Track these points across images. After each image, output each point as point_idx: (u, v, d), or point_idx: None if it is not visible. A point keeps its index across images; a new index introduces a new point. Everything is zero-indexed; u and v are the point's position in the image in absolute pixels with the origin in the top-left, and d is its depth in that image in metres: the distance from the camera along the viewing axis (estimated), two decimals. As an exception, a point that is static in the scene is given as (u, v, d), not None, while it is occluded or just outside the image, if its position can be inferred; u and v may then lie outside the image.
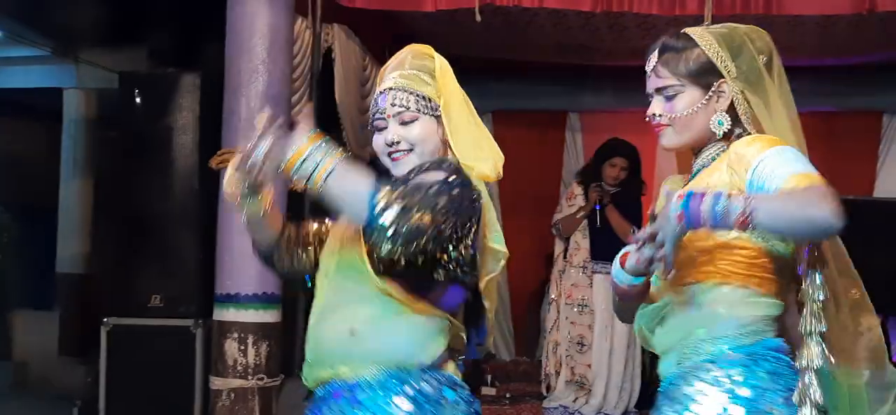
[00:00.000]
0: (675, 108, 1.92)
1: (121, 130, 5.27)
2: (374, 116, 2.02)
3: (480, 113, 7.18)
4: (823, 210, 1.61)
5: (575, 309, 5.58)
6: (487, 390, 6.25)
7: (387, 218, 1.71)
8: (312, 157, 1.75)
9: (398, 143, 1.98)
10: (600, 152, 5.85)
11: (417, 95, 1.98)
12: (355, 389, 1.91)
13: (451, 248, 1.83)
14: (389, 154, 2.00)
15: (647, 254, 1.77)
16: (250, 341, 4.42)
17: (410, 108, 1.97)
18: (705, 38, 1.92)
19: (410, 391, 1.89)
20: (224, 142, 4.50)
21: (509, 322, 7.56)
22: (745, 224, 1.67)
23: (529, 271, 7.26)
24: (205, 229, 4.77)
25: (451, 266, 1.86)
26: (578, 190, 5.71)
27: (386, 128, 2.00)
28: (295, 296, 4.66)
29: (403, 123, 1.98)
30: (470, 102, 2.07)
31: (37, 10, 7.58)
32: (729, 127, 1.92)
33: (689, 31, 1.96)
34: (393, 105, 1.98)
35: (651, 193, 6.35)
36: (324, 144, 1.75)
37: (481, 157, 2.01)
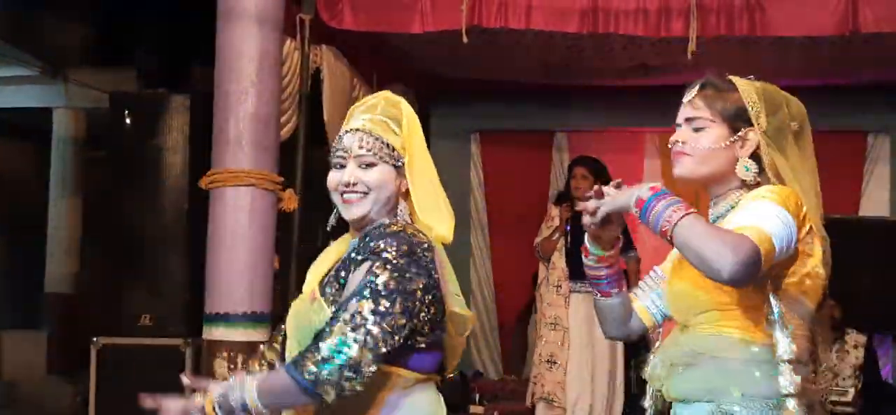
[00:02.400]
0: (700, 140, 1.96)
1: (110, 150, 5.27)
2: (335, 151, 2.00)
3: (467, 132, 7.22)
4: (723, 258, 1.69)
5: (548, 327, 5.59)
6: (475, 409, 6.24)
7: (328, 389, 1.78)
8: (233, 393, 1.85)
9: (355, 184, 1.94)
10: (567, 171, 5.91)
11: (382, 142, 1.96)
12: None
13: (419, 318, 1.88)
14: (342, 194, 1.97)
15: (590, 205, 1.90)
16: (240, 359, 4.40)
17: (374, 152, 1.95)
18: (746, 88, 1.98)
19: None
20: (214, 162, 4.51)
21: (497, 341, 7.56)
22: (664, 233, 1.76)
23: (516, 291, 7.27)
24: (194, 249, 4.77)
25: (426, 331, 1.90)
26: (555, 211, 5.74)
27: (345, 167, 1.97)
28: (284, 314, 4.65)
29: (363, 166, 1.96)
30: (430, 160, 2.05)
31: (27, 30, 7.58)
32: (754, 175, 1.95)
33: (734, 78, 2.01)
34: (358, 147, 1.96)
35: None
36: (235, 384, 1.86)
37: (439, 218, 2.00)
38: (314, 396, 1.79)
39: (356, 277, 1.88)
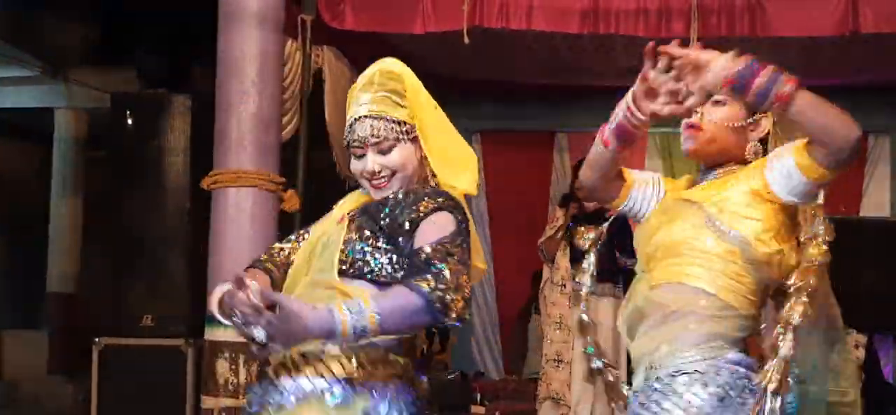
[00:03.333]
0: (713, 115, 1.96)
1: (112, 150, 5.28)
2: (350, 142, 2.04)
3: (468, 133, 7.18)
4: (850, 122, 1.74)
5: (553, 327, 5.59)
6: (477, 409, 6.24)
7: (453, 310, 1.84)
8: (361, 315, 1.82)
9: (379, 171, 2.01)
10: (571, 172, 5.90)
11: (392, 122, 2.00)
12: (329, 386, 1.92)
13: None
14: (371, 182, 2.04)
15: (670, 86, 1.83)
16: (241, 360, 4.41)
17: (388, 137, 2.00)
18: None
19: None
20: (215, 163, 4.51)
21: (498, 341, 7.56)
22: (782, 100, 1.72)
23: (517, 290, 7.27)
24: (195, 249, 4.78)
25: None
26: (559, 213, 5.74)
27: (364, 156, 2.02)
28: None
29: (382, 152, 2.01)
30: (440, 109, 2.09)
31: (28, 30, 7.58)
32: (758, 155, 1.97)
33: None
34: (372, 135, 2.00)
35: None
36: (353, 309, 1.82)
37: (459, 172, 2.05)
38: (437, 313, 1.82)
39: (424, 222, 1.93)
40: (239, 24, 4.46)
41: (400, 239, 1.94)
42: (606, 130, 2.02)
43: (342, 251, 1.94)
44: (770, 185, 1.87)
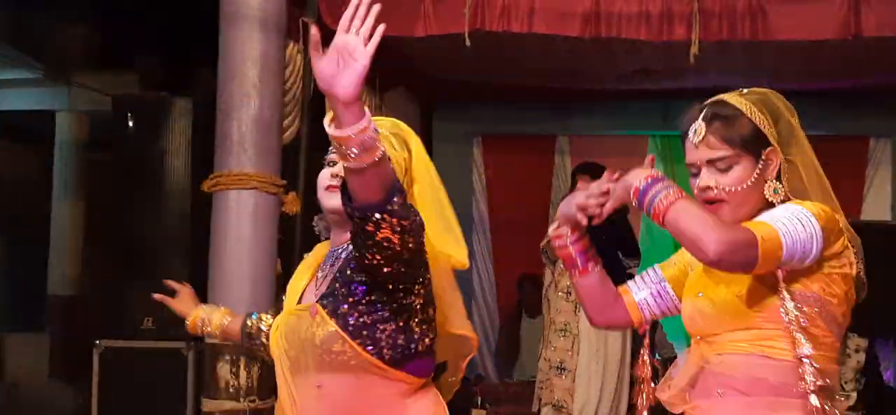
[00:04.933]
0: (730, 181, 1.85)
1: (113, 152, 5.28)
2: (329, 151, 1.99)
3: (469, 137, 7.16)
4: (710, 235, 1.66)
5: (557, 333, 5.57)
6: (477, 412, 6.23)
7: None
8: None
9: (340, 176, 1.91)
10: (571, 178, 5.89)
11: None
12: None
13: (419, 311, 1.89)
14: (328, 186, 1.97)
15: (593, 193, 1.88)
16: (242, 363, 4.40)
17: None
18: (746, 105, 1.88)
19: None
20: (216, 165, 4.51)
21: (498, 345, 7.56)
22: (656, 216, 1.74)
23: (518, 294, 7.27)
24: (196, 252, 4.78)
25: (419, 331, 1.91)
26: None
27: (335, 163, 1.97)
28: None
29: None
30: (442, 189, 2.02)
31: (29, 33, 7.58)
32: (784, 194, 1.86)
33: (724, 97, 1.91)
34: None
35: (639, 218, 6.36)
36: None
37: (451, 243, 1.99)
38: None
39: None
40: (240, 26, 4.46)
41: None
42: (571, 267, 2.02)
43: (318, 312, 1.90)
44: None
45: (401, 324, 1.88)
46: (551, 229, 2.01)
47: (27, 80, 8.51)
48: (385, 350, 1.87)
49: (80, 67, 8.31)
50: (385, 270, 1.81)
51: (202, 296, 4.57)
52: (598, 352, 5.52)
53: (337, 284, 1.92)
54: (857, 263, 1.88)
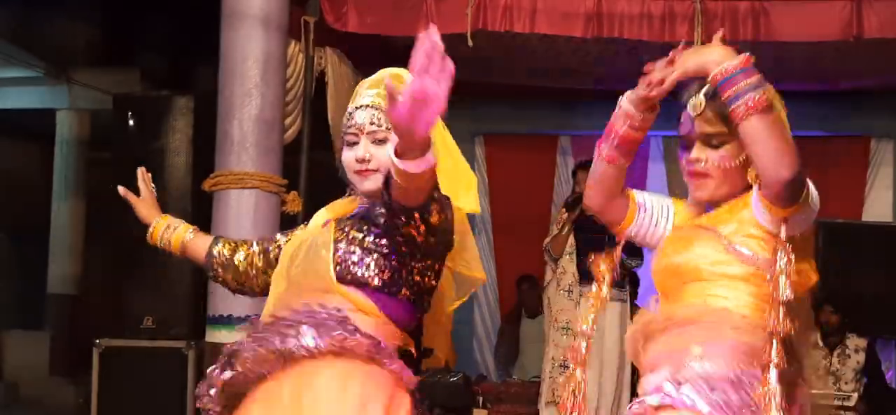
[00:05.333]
0: (719, 157, 1.90)
1: (113, 151, 5.28)
2: (347, 129, 2.01)
3: (472, 136, 7.14)
4: (792, 159, 1.71)
5: (559, 332, 5.58)
6: (479, 412, 6.23)
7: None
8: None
9: (369, 160, 1.95)
10: (572, 176, 5.90)
11: None
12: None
13: (419, 274, 1.91)
14: (357, 171, 1.97)
15: (657, 75, 1.85)
16: (242, 363, 4.40)
17: (384, 127, 1.94)
18: None
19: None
20: (217, 164, 4.52)
21: (498, 344, 7.55)
22: (751, 109, 1.71)
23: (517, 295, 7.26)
24: (197, 251, 4.77)
25: (414, 288, 1.92)
26: (564, 215, 5.72)
27: (357, 143, 1.97)
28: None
29: (376, 142, 1.96)
30: (447, 131, 2.05)
31: (30, 31, 7.59)
32: None
33: None
34: (370, 123, 1.96)
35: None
36: None
37: (462, 191, 2.00)
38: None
39: None
40: (242, 25, 4.47)
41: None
42: (605, 148, 1.98)
43: (334, 253, 1.93)
44: (754, 213, 1.85)
45: (394, 262, 1.93)
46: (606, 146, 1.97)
47: (28, 78, 8.52)
48: (373, 279, 1.91)
49: (81, 66, 8.31)
50: (403, 248, 1.88)
51: (202, 295, 4.61)
52: (596, 353, 5.53)
53: (352, 220, 1.98)
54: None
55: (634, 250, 5.44)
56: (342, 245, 1.93)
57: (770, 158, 1.71)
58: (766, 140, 1.71)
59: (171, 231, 2.33)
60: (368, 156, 1.95)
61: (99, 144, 8.19)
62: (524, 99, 7.12)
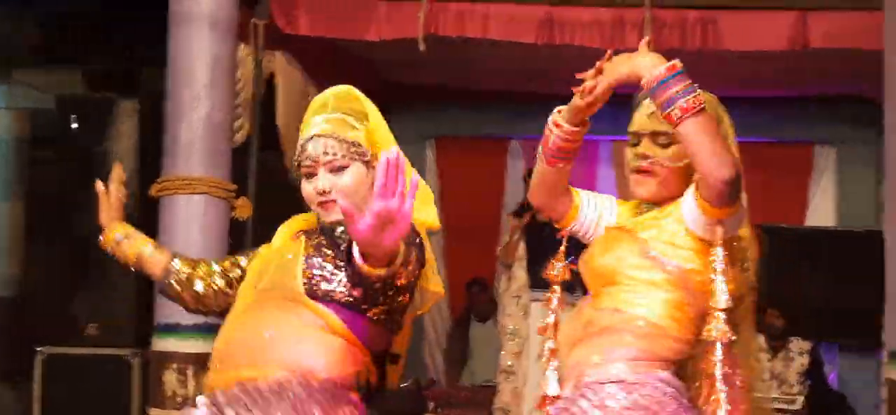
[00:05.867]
0: (666, 156, 1.94)
1: (56, 151, 5.18)
2: (301, 162, 1.99)
3: (423, 139, 7.15)
4: (728, 161, 1.73)
5: (507, 338, 5.61)
6: (430, 417, 6.23)
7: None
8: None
9: (329, 191, 1.95)
10: (523, 182, 5.92)
11: (347, 142, 1.96)
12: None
13: (397, 297, 1.88)
14: (320, 203, 1.97)
15: (588, 84, 1.88)
16: (191, 372, 4.33)
17: (339, 155, 1.94)
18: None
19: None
20: (165, 169, 4.44)
21: (448, 348, 7.56)
22: (685, 112, 1.73)
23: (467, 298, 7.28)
24: (143, 256, 4.69)
25: (387, 304, 1.90)
26: (515, 221, 5.74)
27: (315, 175, 1.96)
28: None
29: (334, 171, 1.95)
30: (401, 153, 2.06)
31: (-34, 28, 7.39)
32: None
33: None
34: (324, 153, 1.95)
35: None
36: None
37: (420, 206, 1.99)
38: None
39: None
40: (190, 27, 4.40)
41: None
42: (545, 152, 2.03)
43: (304, 267, 1.91)
44: (684, 218, 1.88)
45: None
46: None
47: (-38, 75, 8.29)
48: (346, 294, 1.88)
49: (21, 64, 8.12)
50: (384, 303, 1.89)
51: (149, 301, 4.53)
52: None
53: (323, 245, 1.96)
54: (748, 265, 1.95)
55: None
56: (315, 259, 1.92)
57: (710, 157, 1.73)
58: (704, 141, 1.74)
59: (127, 241, 2.27)
60: (328, 187, 1.94)
61: (41, 144, 8.02)
62: (475, 102, 7.14)
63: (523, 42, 5.01)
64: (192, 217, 4.35)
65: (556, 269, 2.11)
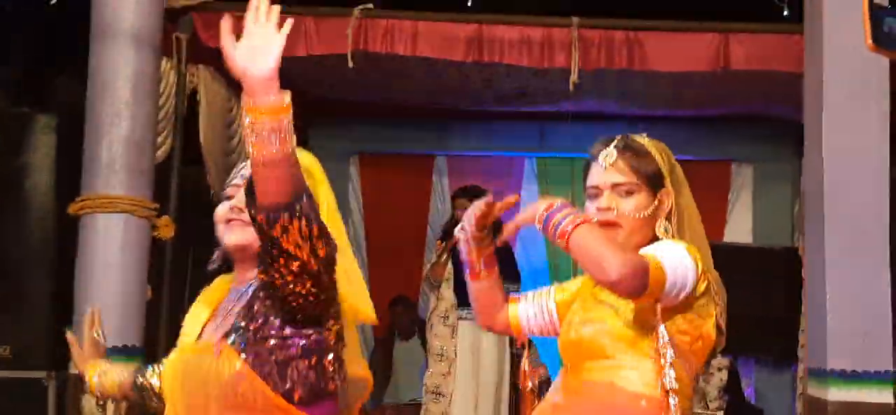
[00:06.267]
0: (628, 207, 1.98)
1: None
2: (230, 181, 1.93)
3: (346, 155, 7.08)
4: (614, 260, 1.77)
5: (434, 358, 5.61)
6: (354, 437, 6.17)
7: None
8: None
9: (242, 209, 1.84)
10: (451, 202, 5.95)
11: None
12: None
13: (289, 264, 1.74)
14: (228, 219, 1.88)
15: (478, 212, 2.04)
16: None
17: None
18: (654, 148, 2.03)
19: None
20: (84, 186, 4.33)
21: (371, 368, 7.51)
22: (561, 237, 1.82)
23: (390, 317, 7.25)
24: (61, 275, 4.57)
25: (334, 369, 1.85)
26: (441, 244, 5.73)
27: (233, 197, 1.90)
28: (155, 350, 4.50)
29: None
30: (343, 229, 1.97)
31: None
32: (671, 233, 1.99)
33: (635, 137, 2.06)
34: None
35: (515, 237, 6.45)
36: None
37: (360, 293, 1.96)
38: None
39: None
40: (112, 42, 4.31)
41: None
42: (467, 271, 2.16)
43: (239, 367, 1.78)
44: None
45: (314, 361, 1.81)
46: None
47: None
48: (296, 389, 1.79)
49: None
50: (296, 288, 1.72)
51: (65, 319, 4.39)
52: (472, 376, 5.58)
53: (245, 321, 1.82)
54: (719, 308, 1.99)
55: (511, 273, 5.54)
56: (248, 356, 1.78)
57: (593, 267, 1.79)
58: (586, 254, 1.80)
59: (104, 377, 2.16)
60: (242, 204, 1.83)
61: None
62: (400, 118, 7.11)
63: (452, 60, 5.04)
64: (112, 236, 4.25)
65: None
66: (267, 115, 1.60)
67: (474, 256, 2.11)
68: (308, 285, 1.73)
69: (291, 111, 1.63)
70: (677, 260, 1.86)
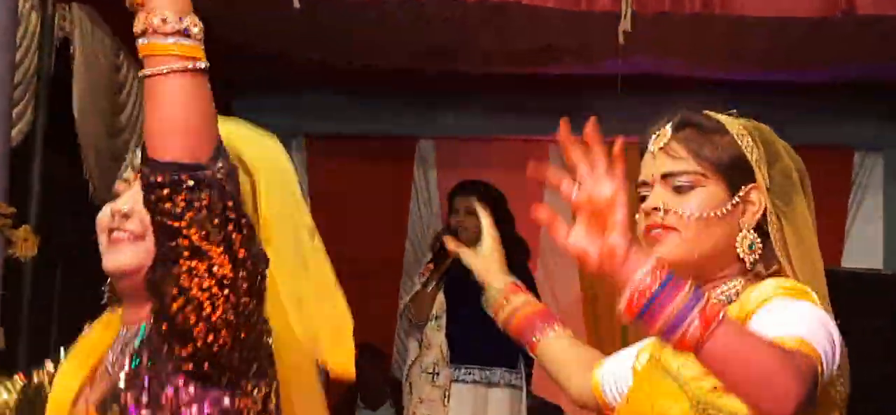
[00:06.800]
0: (689, 205, 1.94)
1: None
2: (120, 175, 1.94)
3: (288, 136, 7.14)
4: (786, 386, 1.61)
5: None
6: None
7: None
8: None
9: (130, 215, 1.85)
10: (448, 202, 5.94)
11: None
12: None
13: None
14: (112, 227, 1.86)
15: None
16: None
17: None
18: (736, 126, 1.99)
19: None
20: None
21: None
22: (694, 341, 1.61)
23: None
24: None
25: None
26: (431, 265, 5.63)
27: (119, 196, 1.91)
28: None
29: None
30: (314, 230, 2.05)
31: None
32: (758, 256, 1.94)
33: (710, 114, 2.01)
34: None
35: (538, 258, 6.45)
36: None
37: (332, 341, 2.02)
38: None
39: None
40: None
41: None
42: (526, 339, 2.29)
43: None
44: None
45: None
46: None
47: None
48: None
49: None
50: (203, 311, 1.65)
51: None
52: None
53: (127, 383, 1.81)
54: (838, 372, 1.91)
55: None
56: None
57: (759, 384, 1.62)
58: (746, 364, 1.62)
59: None
60: (129, 210, 1.84)
61: None
62: (367, 85, 7.14)
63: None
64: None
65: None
66: (169, 7, 1.65)
67: (521, 315, 2.29)
68: (220, 307, 1.66)
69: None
70: (823, 331, 1.77)
